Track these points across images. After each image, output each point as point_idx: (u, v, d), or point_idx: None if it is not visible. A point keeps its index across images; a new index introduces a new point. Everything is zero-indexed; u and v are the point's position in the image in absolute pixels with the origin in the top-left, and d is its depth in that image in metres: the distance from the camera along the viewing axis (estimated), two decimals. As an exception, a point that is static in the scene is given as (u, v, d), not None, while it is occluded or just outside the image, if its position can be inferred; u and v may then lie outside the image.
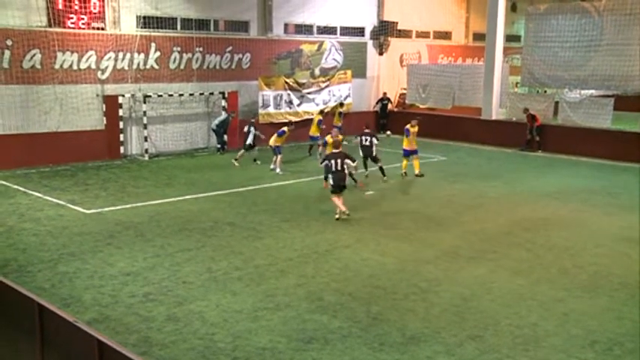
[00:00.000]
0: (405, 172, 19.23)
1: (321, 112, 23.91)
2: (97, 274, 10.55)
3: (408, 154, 19.20)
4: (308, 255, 11.75)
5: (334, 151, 14.58)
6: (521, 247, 12.48)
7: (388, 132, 21.96)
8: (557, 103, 25.64)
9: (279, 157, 19.72)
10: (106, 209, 14.87)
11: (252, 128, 20.86)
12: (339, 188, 14.20)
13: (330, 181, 14.26)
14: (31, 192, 16.50)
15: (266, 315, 9.02)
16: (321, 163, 14.75)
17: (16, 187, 17.10)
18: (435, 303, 9.58)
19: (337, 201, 14.17)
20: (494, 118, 26.82)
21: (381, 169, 18.29)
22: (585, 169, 21.38)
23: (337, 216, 14.08)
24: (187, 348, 8.03)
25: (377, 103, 29.84)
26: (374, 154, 18.14)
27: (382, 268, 11.08)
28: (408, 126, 19.19)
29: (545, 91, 28.93)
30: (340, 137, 16.78)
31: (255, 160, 20.85)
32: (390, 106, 29.85)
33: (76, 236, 12.67)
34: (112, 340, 6.00)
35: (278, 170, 19.55)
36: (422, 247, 12.38)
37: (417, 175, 19.13)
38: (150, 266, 10.98)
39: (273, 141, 19.91)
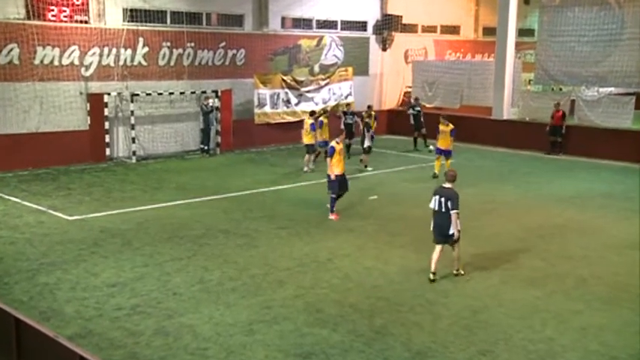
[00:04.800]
0: (435, 173, 19.59)
1: (312, 114, 21.72)
2: (79, 286, 10.51)
3: (438, 152, 19.75)
4: (307, 264, 11.73)
5: (444, 185, 11.15)
6: (536, 255, 12.46)
7: (430, 146, 21.64)
8: (573, 101, 25.64)
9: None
10: (90, 215, 14.84)
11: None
12: (438, 236, 11.07)
13: (431, 225, 11.22)
14: (8, 197, 16.47)
15: (262, 329, 9.00)
16: (431, 203, 11.14)
17: (-7, 191, 17.11)
18: (443, 315, 9.56)
19: (435, 256, 11.03)
20: (505, 118, 26.84)
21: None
22: (604, 172, 21.38)
23: (431, 277, 10.99)
24: (177, 364, 8.02)
25: (408, 109, 26.62)
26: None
27: (386, 278, 11.06)
28: (440, 124, 19.86)
29: (561, 89, 28.94)
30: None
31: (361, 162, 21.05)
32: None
33: (57, 245, 12.64)
34: (95, 356, 6.00)
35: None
36: (428, 255, 12.28)
37: (435, 173, 19.72)
38: (137, 276, 10.96)
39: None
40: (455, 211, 10.79)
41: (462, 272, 11.26)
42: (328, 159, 15.00)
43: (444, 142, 19.44)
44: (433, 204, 11.04)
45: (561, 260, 12.22)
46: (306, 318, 9.38)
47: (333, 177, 14.84)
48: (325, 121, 21.56)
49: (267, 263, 11.74)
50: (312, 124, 20.52)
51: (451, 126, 19.42)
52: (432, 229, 11.16)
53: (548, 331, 9.10)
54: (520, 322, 9.40)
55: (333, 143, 15.14)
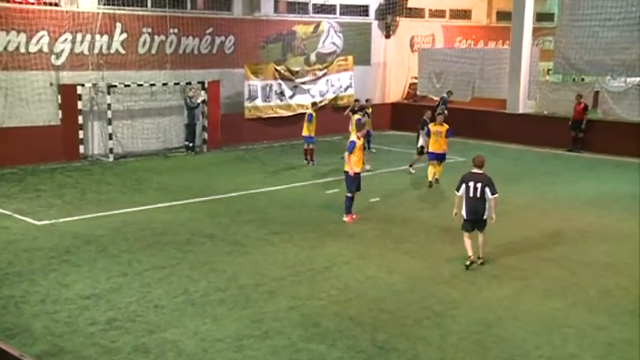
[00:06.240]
0: (431, 182, 18.88)
1: (361, 109, 21.84)
2: (49, 298, 10.47)
3: (431, 157, 18.98)
4: (302, 273, 11.72)
5: (474, 171, 12.20)
6: (554, 263, 12.47)
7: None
8: (596, 93, 25.67)
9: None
10: (62, 220, 14.81)
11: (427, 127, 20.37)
12: (471, 223, 12.17)
13: (463, 212, 12.21)
14: (-29, 200, 16.48)
15: (252, 344, 8.99)
16: (458, 189, 12.26)
17: (-46, 193, 17.08)
18: (452, 330, 9.56)
19: (468, 242, 12.14)
20: (521, 111, 26.88)
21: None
22: (630, 171, 21.40)
23: (468, 262, 12.03)
24: (158, 384, 8.01)
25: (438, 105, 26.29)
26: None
27: (389, 289, 11.06)
28: (430, 124, 19.15)
29: (583, 79, 28.97)
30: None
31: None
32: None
33: (24, 253, 12.60)
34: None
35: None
36: (436, 263, 12.36)
37: (430, 182, 18.95)
38: (115, 287, 10.93)
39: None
40: (496, 195, 11.98)
41: (483, 262, 12.14)
42: (347, 154, 14.98)
43: (437, 144, 18.77)
44: (462, 191, 12.08)
45: (583, 268, 12.22)
46: (302, 332, 9.36)
47: (352, 173, 14.93)
48: (314, 114, 21.53)
49: (258, 272, 11.72)
50: (358, 120, 20.18)
51: (446, 126, 18.84)
52: (465, 216, 12.10)
53: (569, 347, 9.08)
54: (538, 337, 9.38)
55: (353, 138, 15.12)
